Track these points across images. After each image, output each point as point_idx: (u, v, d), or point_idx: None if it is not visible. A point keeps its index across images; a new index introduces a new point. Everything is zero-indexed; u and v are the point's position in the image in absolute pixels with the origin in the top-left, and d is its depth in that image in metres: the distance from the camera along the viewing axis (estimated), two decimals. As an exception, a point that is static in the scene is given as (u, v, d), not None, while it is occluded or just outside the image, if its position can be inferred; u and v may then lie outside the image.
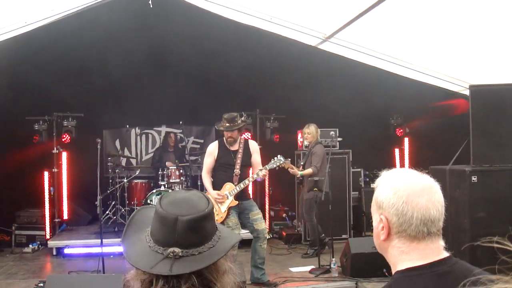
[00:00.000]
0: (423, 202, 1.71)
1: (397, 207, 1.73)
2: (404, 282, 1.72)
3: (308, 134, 9.29)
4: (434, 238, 1.75)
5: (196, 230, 1.65)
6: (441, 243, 1.77)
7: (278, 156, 7.53)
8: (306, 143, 9.79)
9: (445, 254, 1.76)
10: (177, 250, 1.60)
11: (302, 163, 8.97)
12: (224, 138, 7.50)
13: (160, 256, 1.61)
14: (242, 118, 7.65)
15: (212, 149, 7.53)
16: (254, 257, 7.53)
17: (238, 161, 7.34)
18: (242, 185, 7.25)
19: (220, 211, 7.17)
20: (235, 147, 7.43)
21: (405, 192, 1.73)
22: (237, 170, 7.31)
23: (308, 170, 8.91)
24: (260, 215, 7.46)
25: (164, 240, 1.63)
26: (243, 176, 7.37)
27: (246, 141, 7.65)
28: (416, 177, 1.79)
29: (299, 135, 11.03)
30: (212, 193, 7.21)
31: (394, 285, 1.75)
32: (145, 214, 1.88)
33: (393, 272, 1.80)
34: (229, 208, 7.23)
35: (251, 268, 7.60)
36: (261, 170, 7.29)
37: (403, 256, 1.75)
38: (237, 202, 7.25)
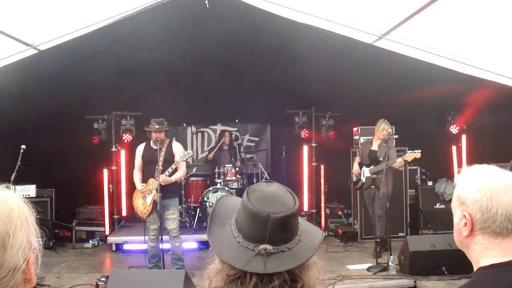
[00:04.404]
0: (508, 199, 1.71)
1: (481, 203, 1.73)
2: (488, 278, 1.72)
3: (387, 130, 9.19)
4: None
5: (286, 227, 1.66)
6: None
7: (188, 150, 8.62)
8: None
9: None
10: (269, 247, 1.62)
11: (381, 159, 8.90)
12: (151, 139, 8.08)
13: (252, 252, 1.64)
14: (166, 123, 8.17)
15: (139, 150, 8.22)
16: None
17: (161, 158, 7.86)
18: (160, 179, 7.66)
19: (146, 204, 7.79)
20: (160, 147, 7.93)
21: (489, 189, 1.73)
22: (159, 167, 7.81)
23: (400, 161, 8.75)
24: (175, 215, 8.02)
25: (255, 236, 1.65)
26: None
27: (170, 142, 8.28)
28: (499, 174, 1.80)
29: (355, 132, 11.00)
30: (138, 187, 7.96)
31: (478, 281, 1.75)
32: (224, 204, 1.89)
33: (474, 269, 1.80)
34: (154, 201, 7.71)
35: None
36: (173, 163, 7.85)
37: (486, 252, 1.76)
38: (160, 194, 7.64)
